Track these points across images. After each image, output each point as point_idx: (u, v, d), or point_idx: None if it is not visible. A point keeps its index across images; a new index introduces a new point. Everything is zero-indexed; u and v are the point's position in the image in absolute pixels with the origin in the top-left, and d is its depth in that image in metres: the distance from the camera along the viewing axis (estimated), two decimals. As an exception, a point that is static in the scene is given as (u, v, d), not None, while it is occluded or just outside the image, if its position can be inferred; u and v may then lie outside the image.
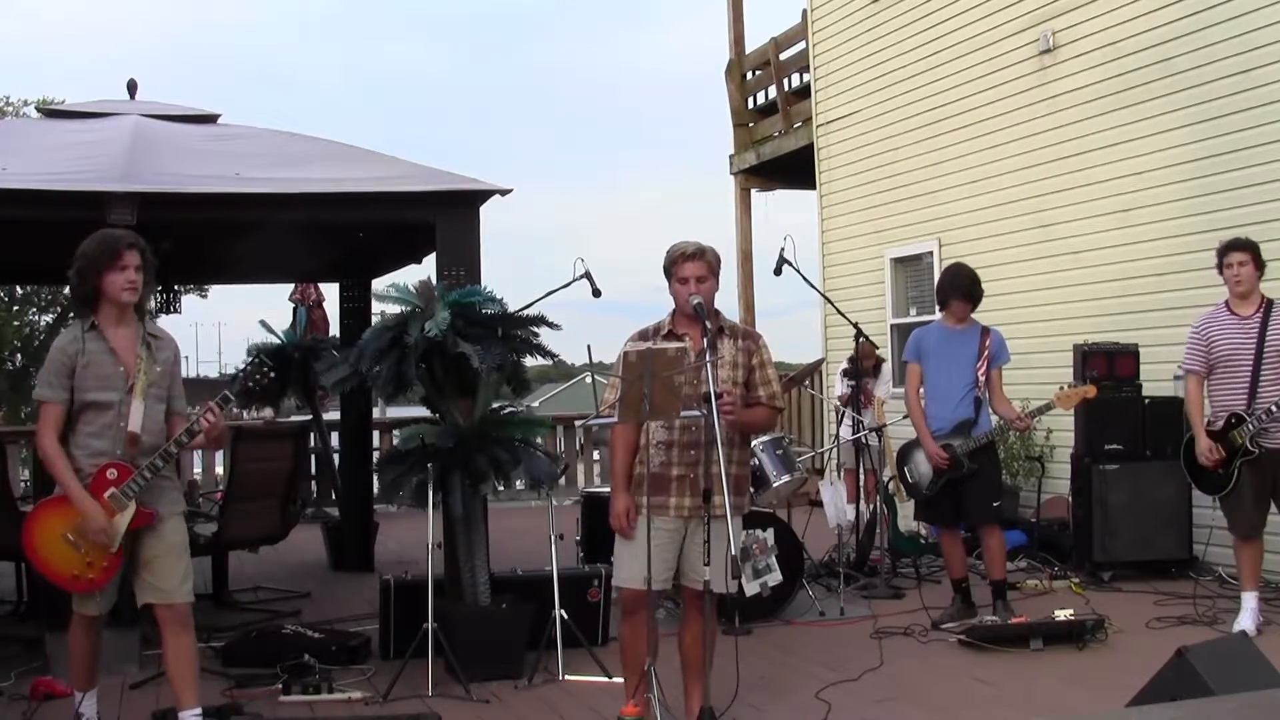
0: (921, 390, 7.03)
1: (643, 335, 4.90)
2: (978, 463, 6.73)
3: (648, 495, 4.70)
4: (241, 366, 4.75)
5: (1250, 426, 6.29)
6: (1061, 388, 7.01)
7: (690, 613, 4.87)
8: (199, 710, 4.69)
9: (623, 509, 4.78)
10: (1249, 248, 6.43)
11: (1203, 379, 6.55)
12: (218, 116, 7.68)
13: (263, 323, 9.52)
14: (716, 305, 4.89)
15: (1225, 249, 6.49)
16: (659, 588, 4.71)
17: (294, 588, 8.13)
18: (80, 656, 4.77)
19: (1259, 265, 6.42)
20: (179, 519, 4.78)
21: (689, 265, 4.78)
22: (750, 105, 14.92)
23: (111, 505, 4.53)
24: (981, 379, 6.80)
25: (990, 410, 6.90)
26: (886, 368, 10.16)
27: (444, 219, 6.32)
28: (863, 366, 8.71)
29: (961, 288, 6.88)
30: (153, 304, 4.92)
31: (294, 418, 12.37)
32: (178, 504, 4.80)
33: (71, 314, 4.93)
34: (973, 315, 6.94)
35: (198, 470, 12.44)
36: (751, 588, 6.81)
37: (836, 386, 9.88)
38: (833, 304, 9.54)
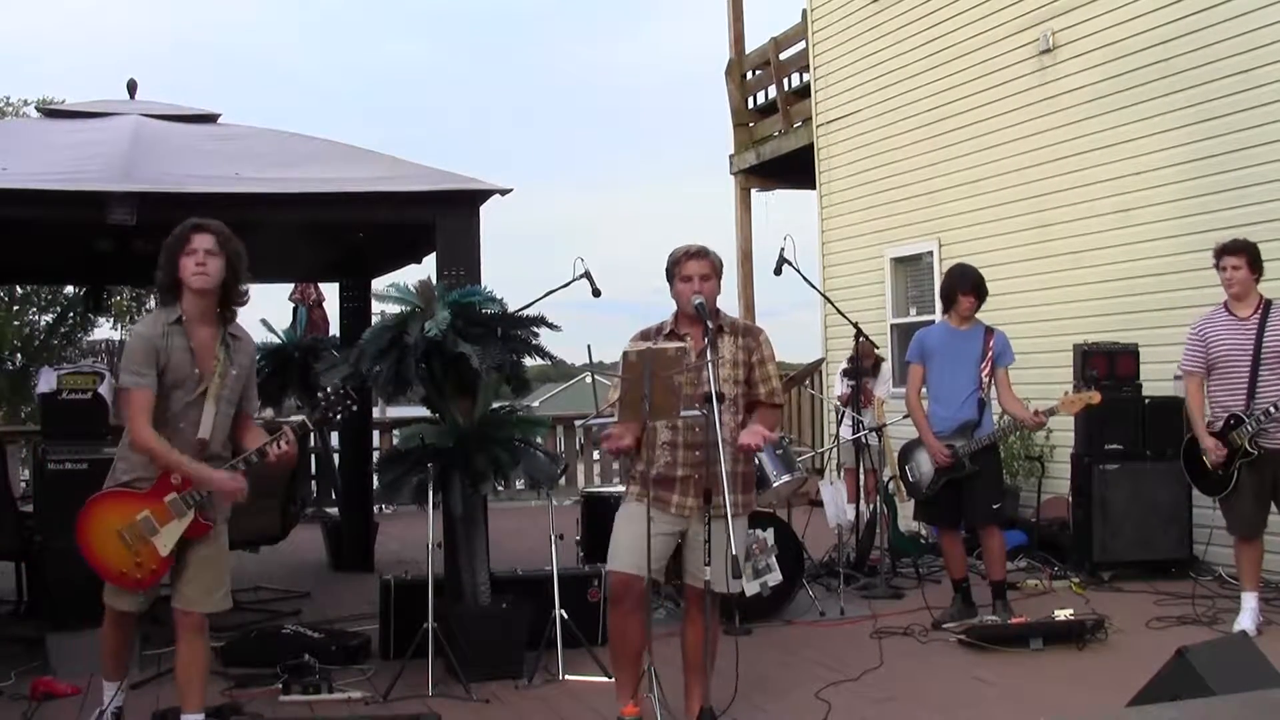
0: (923, 391, 7.03)
1: (644, 335, 4.90)
2: (979, 464, 6.73)
3: (652, 490, 4.70)
4: (325, 394, 4.66)
5: (1249, 427, 6.29)
6: (1066, 392, 6.99)
7: (693, 612, 4.87)
8: (200, 716, 4.66)
9: (621, 430, 4.73)
10: (1243, 251, 6.40)
11: (1202, 380, 6.54)
12: (218, 116, 7.68)
13: (264, 322, 9.52)
14: (717, 305, 4.90)
15: (1220, 251, 6.47)
16: (650, 576, 4.70)
17: (294, 588, 8.13)
18: (110, 649, 4.73)
19: (1255, 267, 6.41)
20: (224, 528, 4.72)
21: (692, 264, 4.78)
22: (750, 105, 14.91)
23: (170, 510, 4.48)
24: (985, 380, 6.79)
25: (1001, 410, 6.89)
26: (886, 367, 10.16)
27: (444, 219, 6.32)
28: (862, 365, 8.71)
29: (970, 280, 6.87)
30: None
31: (294, 417, 12.34)
32: (225, 512, 4.73)
33: (157, 303, 4.81)
34: (975, 315, 6.94)
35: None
36: (751, 588, 6.81)
37: (836, 386, 9.88)
38: (833, 304, 9.54)
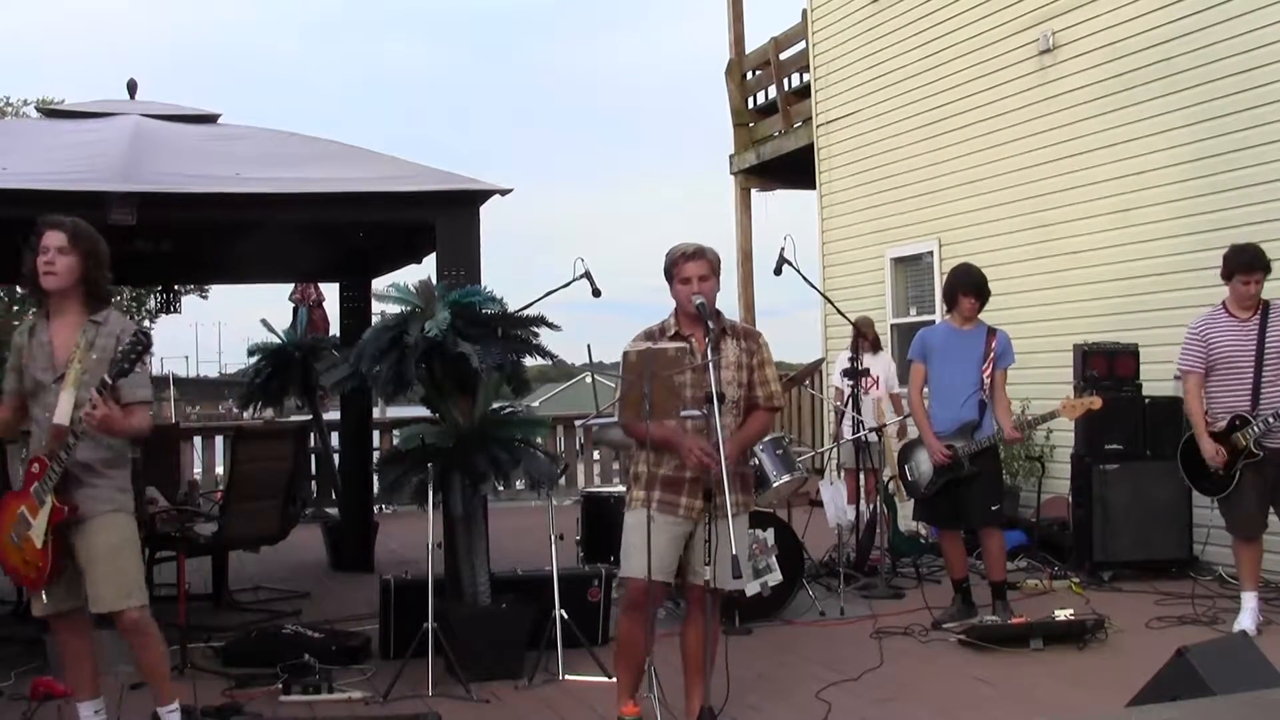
0: (925, 390, 7.01)
1: (648, 335, 4.89)
2: (979, 465, 6.72)
3: (659, 492, 4.70)
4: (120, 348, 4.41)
5: (1256, 428, 6.28)
6: (1068, 396, 6.96)
7: (693, 612, 4.86)
8: (176, 706, 4.61)
9: (697, 446, 4.61)
10: (1266, 267, 6.40)
11: (1202, 380, 6.53)
12: (218, 116, 7.68)
13: (264, 322, 9.54)
14: (717, 305, 4.89)
15: (1244, 265, 6.38)
16: (662, 578, 4.71)
17: (294, 588, 8.13)
18: (60, 663, 4.57)
19: (1267, 277, 6.44)
20: (114, 518, 4.48)
21: (690, 265, 4.77)
22: (750, 105, 14.92)
23: (34, 500, 4.38)
24: (986, 381, 6.77)
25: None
26: (885, 356, 9.96)
27: (444, 219, 6.31)
28: (862, 346, 8.57)
29: (972, 281, 6.85)
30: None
31: (294, 418, 12.37)
32: (110, 502, 4.48)
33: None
34: (977, 315, 6.92)
35: (198, 470, 12.44)
36: (751, 588, 6.80)
37: (833, 376, 9.83)
38: (833, 304, 9.53)
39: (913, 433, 7.54)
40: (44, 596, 4.48)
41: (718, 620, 4.93)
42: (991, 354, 6.77)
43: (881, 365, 9.33)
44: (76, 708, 4.67)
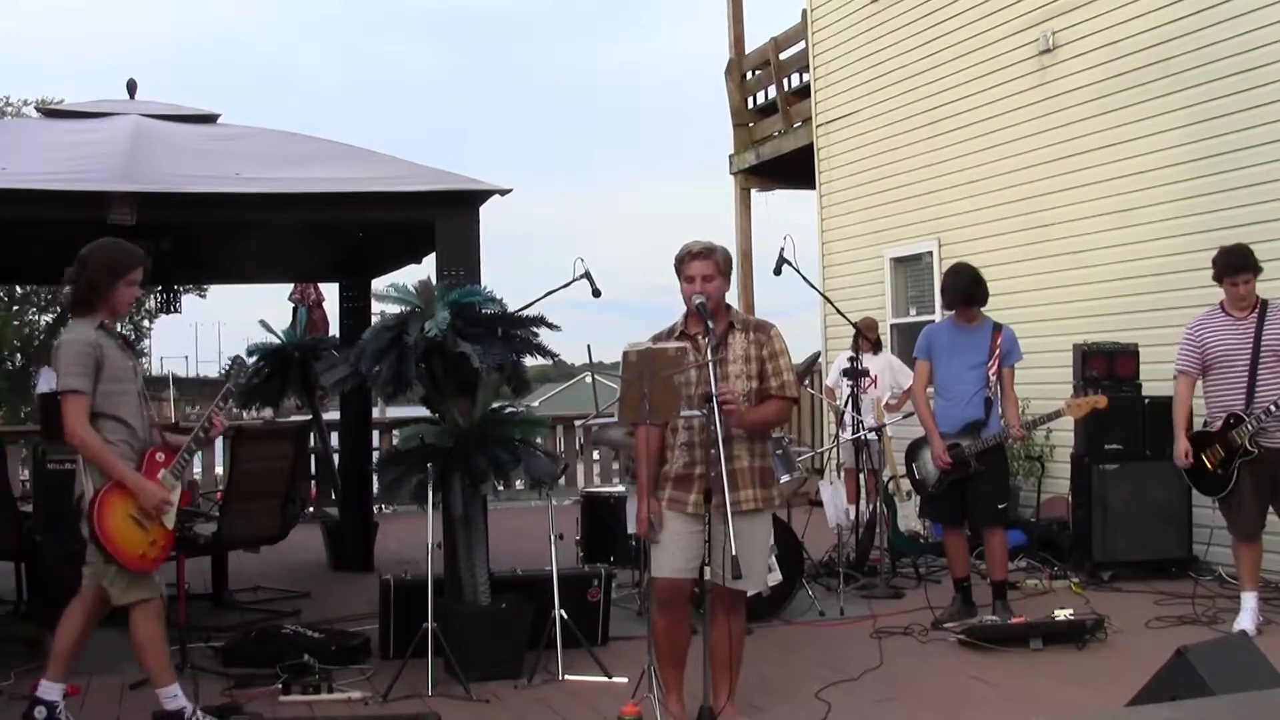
0: (931, 390, 6.99)
1: (657, 338, 4.92)
2: (985, 464, 6.71)
3: (670, 490, 4.74)
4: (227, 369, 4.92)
5: (1250, 426, 6.28)
6: (1073, 394, 6.93)
7: (715, 610, 4.83)
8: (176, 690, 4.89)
9: (647, 515, 4.76)
10: (1252, 267, 6.40)
11: (1194, 381, 6.54)
12: (218, 116, 7.69)
13: (263, 322, 9.52)
14: (727, 302, 4.93)
15: (1231, 268, 6.41)
16: (684, 575, 4.75)
17: (294, 588, 8.12)
18: (157, 644, 4.83)
19: (1257, 274, 6.43)
20: None
21: (695, 264, 4.80)
22: (750, 105, 14.91)
23: (164, 486, 4.81)
24: (993, 379, 6.74)
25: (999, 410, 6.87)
26: (884, 357, 9.95)
27: (444, 219, 6.32)
28: (862, 344, 8.55)
29: (961, 293, 6.81)
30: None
31: (294, 418, 12.36)
32: None
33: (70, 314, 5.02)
34: (982, 311, 6.90)
35: (198, 470, 12.43)
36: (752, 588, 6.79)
37: (830, 374, 9.81)
38: (832, 304, 9.53)
39: (916, 432, 7.52)
40: (158, 576, 4.87)
41: (742, 619, 4.93)
42: (997, 351, 6.75)
43: (880, 366, 9.32)
44: (163, 692, 4.89)
